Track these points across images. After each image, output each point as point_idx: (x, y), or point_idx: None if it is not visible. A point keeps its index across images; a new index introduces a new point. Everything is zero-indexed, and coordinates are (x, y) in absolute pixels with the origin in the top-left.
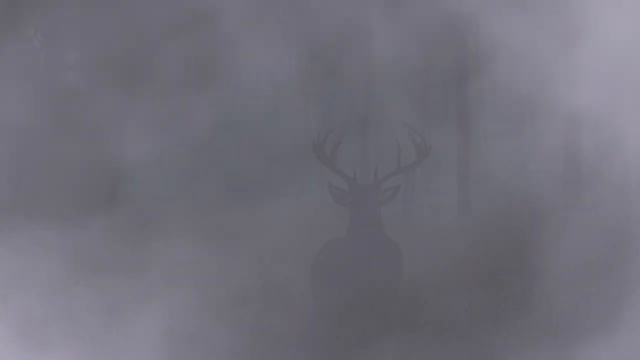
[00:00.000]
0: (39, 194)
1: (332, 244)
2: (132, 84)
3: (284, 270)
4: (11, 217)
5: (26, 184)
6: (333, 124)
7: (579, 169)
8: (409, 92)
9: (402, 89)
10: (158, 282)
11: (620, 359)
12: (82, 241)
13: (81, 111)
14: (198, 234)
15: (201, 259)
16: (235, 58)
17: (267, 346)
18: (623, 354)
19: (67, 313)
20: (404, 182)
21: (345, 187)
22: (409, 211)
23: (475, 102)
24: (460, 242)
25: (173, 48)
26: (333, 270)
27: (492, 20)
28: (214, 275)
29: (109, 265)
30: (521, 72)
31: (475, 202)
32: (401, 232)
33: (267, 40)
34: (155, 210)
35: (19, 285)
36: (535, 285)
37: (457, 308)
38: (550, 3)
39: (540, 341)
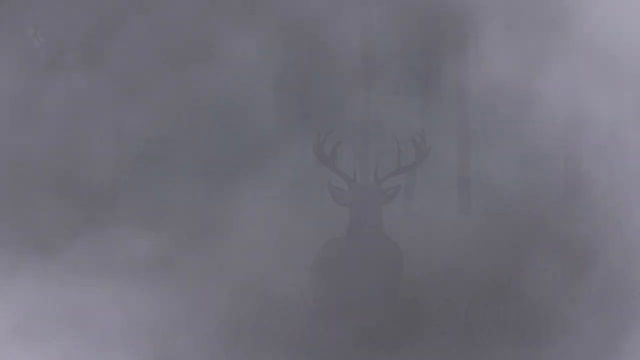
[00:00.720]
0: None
1: (332, 244)
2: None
3: (283, 270)
4: (10, 213)
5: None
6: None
7: (579, 170)
8: (408, 91)
9: (402, 88)
10: (157, 282)
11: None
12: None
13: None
14: (195, 233)
15: (199, 258)
16: (233, 56)
17: (266, 346)
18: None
19: (65, 312)
20: (404, 182)
21: (345, 187)
22: (409, 211)
23: (475, 103)
24: (460, 242)
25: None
26: (332, 271)
27: (493, 21)
28: (212, 275)
29: (106, 264)
30: (521, 73)
31: (475, 202)
32: (401, 232)
33: (263, 37)
34: (153, 209)
35: (16, 283)
36: (535, 285)
37: (457, 308)
38: (551, 3)
39: (540, 342)
